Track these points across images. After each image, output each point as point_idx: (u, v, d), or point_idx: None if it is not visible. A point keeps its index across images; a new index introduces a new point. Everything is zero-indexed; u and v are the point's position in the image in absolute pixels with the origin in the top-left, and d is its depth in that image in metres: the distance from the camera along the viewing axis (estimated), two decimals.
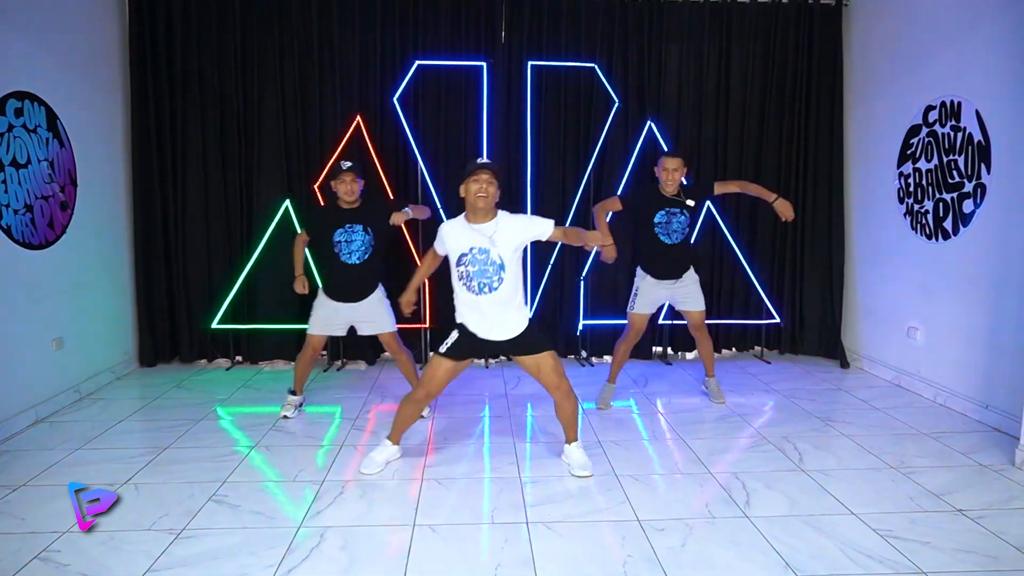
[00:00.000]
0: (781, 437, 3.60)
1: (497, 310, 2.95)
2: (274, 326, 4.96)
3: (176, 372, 4.85)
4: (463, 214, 3.02)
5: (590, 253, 4.97)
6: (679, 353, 5.41)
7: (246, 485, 3.01)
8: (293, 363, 4.47)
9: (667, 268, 3.93)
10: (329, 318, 3.78)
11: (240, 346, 5.08)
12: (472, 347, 3.05)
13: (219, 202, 4.91)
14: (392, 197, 4.76)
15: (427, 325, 4.97)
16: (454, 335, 3.05)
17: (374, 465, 3.14)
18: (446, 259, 3.08)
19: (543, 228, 2.99)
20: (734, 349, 5.43)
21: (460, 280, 2.96)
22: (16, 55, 3.70)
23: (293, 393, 3.99)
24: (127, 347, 4.87)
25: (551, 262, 5.06)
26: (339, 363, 5.07)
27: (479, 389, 4.46)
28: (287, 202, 4.79)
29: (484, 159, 2.96)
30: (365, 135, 4.82)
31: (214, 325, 4.88)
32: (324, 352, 4.68)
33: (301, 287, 3.82)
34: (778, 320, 5.19)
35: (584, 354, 5.23)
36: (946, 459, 3.31)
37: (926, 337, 4.33)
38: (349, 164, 3.66)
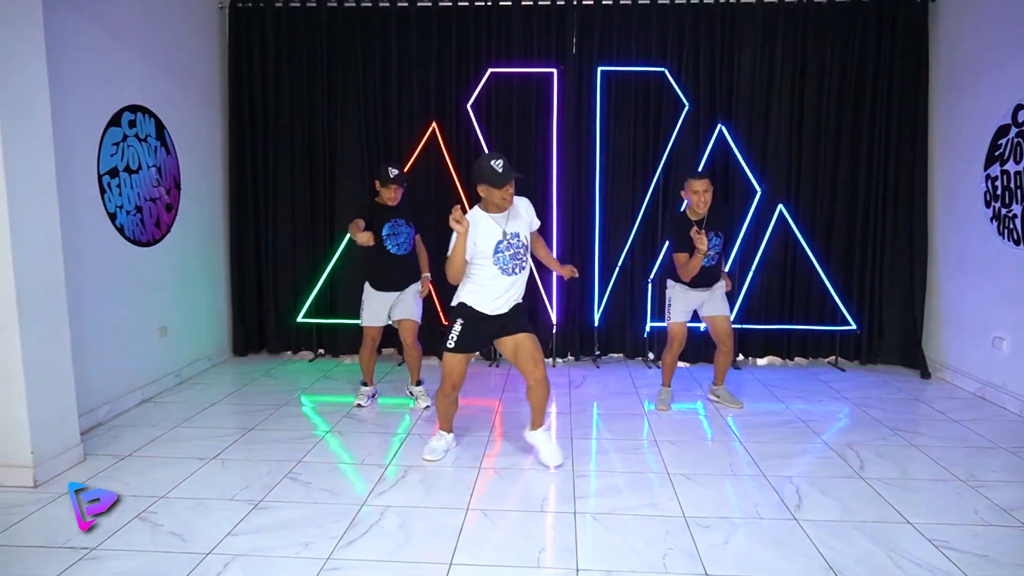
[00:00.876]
0: (844, 444, 3.54)
1: (517, 285, 3.16)
2: (354, 321, 5.26)
3: (264, 362, 5.24)
4: (476, 209, 3.14)
5: (658, 256, 5.01)
6: (748, 358, 5.34)
7: (319, 465, 3.27)
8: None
9: (700, 277, 3.94)
10: (378, 309, 4.06)
11: (323, 339, 5.42)
12: (476, 333, 3.17)
13: (305, 204, 5.27)
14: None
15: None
16: (457, 328, 3.18)
17: (435, 453, 3.34)
18: None
19: (534, 223, 3.28)
20: (809, 358, 5.31)
21: (495, 265, 3.08)
22: (130, 71, 4.13)
23: (365, 384, 4.25)
24: (222, 337, 5.30)
25: (619, 264, 5.13)
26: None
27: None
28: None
29: (501, 161, 3.00)
30: (440, 139, 5.06)
31: (299, 319, 5.24)
32: (400, 358, 4.93)
33: (367, 239, 3.86)
34: (855, 327, 5.04)
35: (651, 356, 5.26)
36: (1021, 475, 3.17)
37: (1013, 347, 4.12)
38: (396, 173, 3.90)
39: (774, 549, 2.50)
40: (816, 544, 2.53)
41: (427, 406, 4.15)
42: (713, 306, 4.05)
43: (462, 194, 5.02)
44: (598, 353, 5.33)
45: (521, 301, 3.24)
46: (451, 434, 3.44)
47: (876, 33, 4.91)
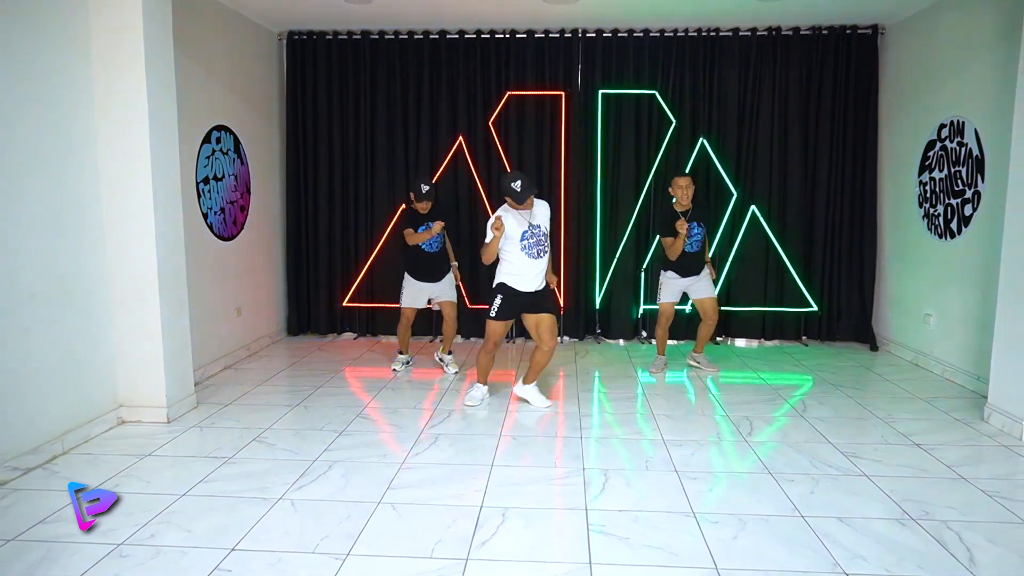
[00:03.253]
0: (796, 397, 4.46)
1: (542, 267, 4.10)
2: (392, 305, 6.20)
3: (315, 340, 6.17)
4: (505, 205, 4.08)
5: (650, 249, 5.93)
6: (728, 339, 6.24)
7: (381, 410, 4.20)
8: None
9: (687, 265, 4.87)
10: (415, 294, 4.98)
11: (364, 321, 6.35)
12: (513, 305, 4.12)
13: (348, 206, 6.19)
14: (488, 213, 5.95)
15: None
16: (498, 300, 4.13)
17: (474, 400, 4.29)
18: None
19: (548, 222, 4.19)
20: (777, 341, 6.19)
21: (523, 251, 4.03)
22: (217, 96, 5.07)
23: (401, 353, 5.17)
24: (280, 319, 6.23)
25: (617, 256, 6.05)
26: (439, 336, 6.25)
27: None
28: (404, 206, 6.01)
29: (520, 182, 3.89)
30: (466, 152, 5.98)
31: (345, 303, 6.17)
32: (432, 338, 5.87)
33: (422, 238, 4.82)
34: (816, 309, 5.96)
35: (644, 334, 6.18)
36: (926, 415, 4.09)
37: (937, 322, 5.04)
38: (427, 189, 4.78)
39: (729, 460, 3.42)
40: (760, 457, 3.45)
41: (456, 371, 5.06)
42: (701, 290, 4.95)
43: (484, 198, 5.95)
44: (599, 332, 6.24)
45: (546, 285, 4.17)
46: (486, 386, 4.37)
47: (834, 59, 5.83)
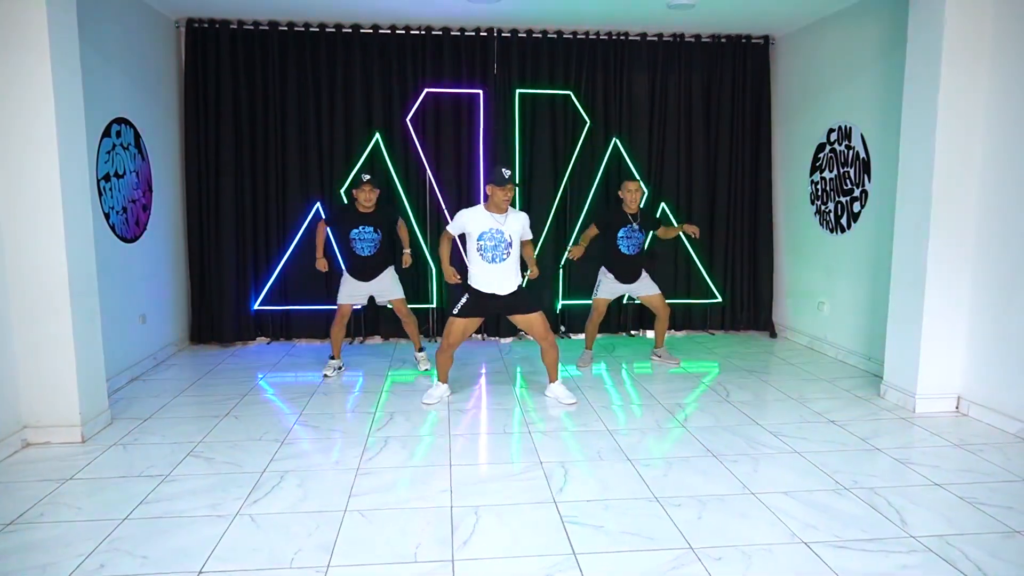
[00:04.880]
0: (716, 383, 4.76)
1: (502, 274, 4.13)
2: (307, 307, 5.98)
3: (223, 348, 5.84)
4: (480, 205, 4.17)
5: (567, 247, 6.09)
6: (641, 331, 6.53)
7: (319, 416, 4.06)
8: (322, 340, 5.54)
9: (625, 271, 5.08)
10: (352, 293, 4.89)
11: (278, 325, 6.07)
12: (478, 306, 4.15)
13: (256, 204, 5.89)
14: (401, 205, 5.87)
15: (435, 305, 6.05)
16: (464, 299, 4.16)
17: (432, 398, 4.25)
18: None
19: (526, 234, 4.27)
20: (685, 331, 6.54)
21: (478, 252, 4.08)
22: (116, 86, 4.67)
23: (332, 358, 5.02)
24: (184, 325, 5.84)
25: (535, 253, 6.14)
26: (360, 339, 6.11)
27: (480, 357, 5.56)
28: (318, 204, 5.82)
29: (509, 172, 4.07)
30: (383, 148, 5.87)
31: (256, 307, 5.88)
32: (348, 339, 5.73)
33: (323, 266, 4.91)
34: (720, 299, 6.37)
35: (563, 329, 6.34)
36: (832, 393, 4.50)
37: (830, 309, 5.54)
38: (368, 177, 4.77)
39: (672, 443, 3.61)
40: (698, 439, 3.66)
41: (426, 368, 5.01)
42: (645, 289, 5.15)
43: (403, 194, 5.87)
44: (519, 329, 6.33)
45: (520, 287, 4.21)
46: (446, 384, 4.34)
47: (732, 66, 6.24)
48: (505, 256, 4.13)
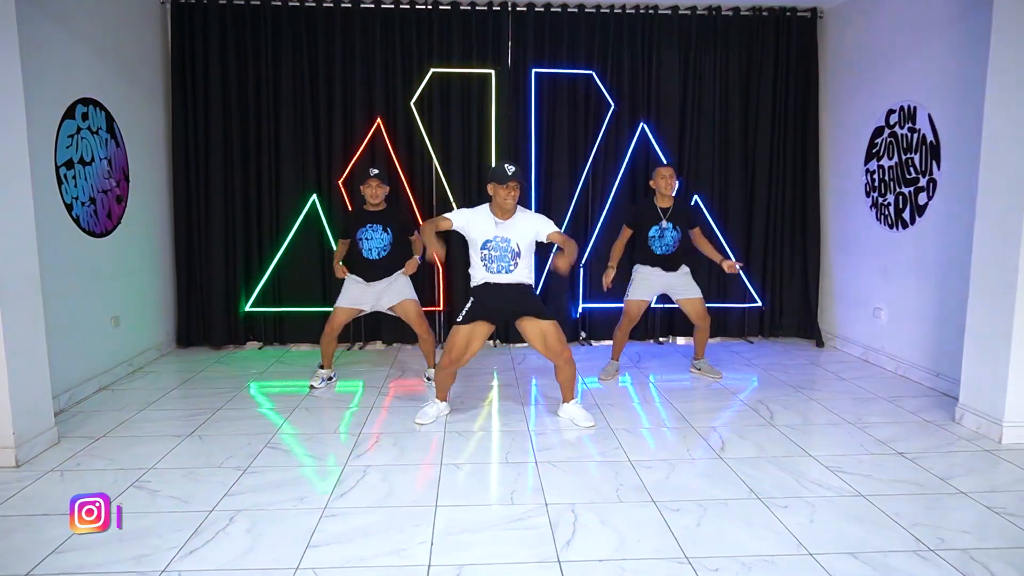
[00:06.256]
0: (756, 401, 4.12)
1: (508, 285, 3.55)
2: (301, 309, 5.46)
3: (212, 351, 5.35)
4: (486, 205, 3.58)
5: (589, 243, 5.48)
6: (672, 337, 5.89)
7: (295, 437, 3.52)
8: (317, 345, 4.98)
9: (661, 262, 4.46)
10: (355, 298, 4.31)
11: (270, 328, 5.57)
12: (484, 310, 3.58)
13: (249, 197, 5.39)
14: (413, 206, 5.33)
15: (442, 308, 5.49)
16: (468, 304, 3.61)
17: (427, 417, 3.69)
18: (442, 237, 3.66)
19: (544, 229, 3.58)
20: (719, 338, 5.88)
21: (481, 260, 3.53)
22: (82, 64, 4.19)
23: (322, 367, 4.48)
24: (169, 328, 5.37)
25: (553, 251, 5.55)
26: (359, 344, 5.58)
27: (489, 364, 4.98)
28: (314, 197, 5.30)
29: (512, 167, 3.46)
30: (384, 135, 5.33)
31: (247, 309, 5.38)
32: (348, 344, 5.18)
33: (340, 272, 4.36)
34: (760, 304, 5.70)
35: (583, 335, 5.73)
36: (896, 417, 3.82)
37: (888, 316, 4.84)
38: (376, 171, 4.23)
39: (705, 480, 2.99)
40: (739, 474, 3.03)
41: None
42: (683, 291, 4.52)
43: (406, 185, 5.32)
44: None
45: (527, 285, 3.63)
46: (445, 403, 3.79)
47: (774, 42, 5.56)
48: (512, 267, 3.56)
